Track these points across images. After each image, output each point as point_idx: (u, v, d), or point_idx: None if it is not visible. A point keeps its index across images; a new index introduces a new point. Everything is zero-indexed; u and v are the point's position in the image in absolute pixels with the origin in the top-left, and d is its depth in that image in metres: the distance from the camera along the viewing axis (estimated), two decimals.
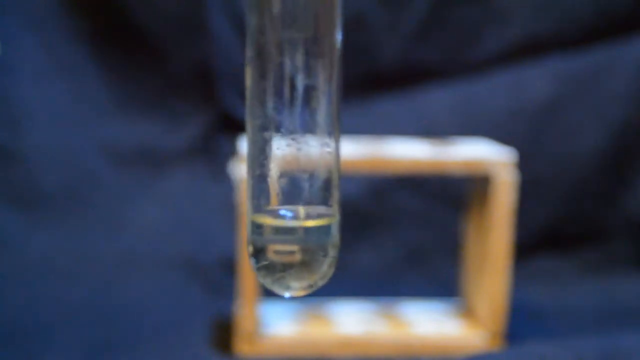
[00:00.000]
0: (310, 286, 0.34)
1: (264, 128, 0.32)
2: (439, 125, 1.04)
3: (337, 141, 0.32)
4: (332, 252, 0.33)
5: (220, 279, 0.95)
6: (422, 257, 1.03)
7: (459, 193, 0.97)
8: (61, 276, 0.94)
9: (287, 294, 0.34)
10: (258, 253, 0.33)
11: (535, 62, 1.05)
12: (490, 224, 0.78)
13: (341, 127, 0.33)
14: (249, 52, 0.31)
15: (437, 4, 1.05)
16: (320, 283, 0.34)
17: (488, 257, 0.79)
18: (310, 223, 0.32)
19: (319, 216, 0.32)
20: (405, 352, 0.80)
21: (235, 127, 1.03)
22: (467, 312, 0.85)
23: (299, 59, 0.31)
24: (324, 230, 0.32)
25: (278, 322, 0.81)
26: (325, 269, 0.33)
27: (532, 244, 1.03)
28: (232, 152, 0.94)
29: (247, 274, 0.76)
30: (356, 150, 0.78)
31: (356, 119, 1.04)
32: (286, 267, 0.33)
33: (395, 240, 1.03)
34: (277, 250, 0.32)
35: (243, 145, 0.79)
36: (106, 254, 0.99)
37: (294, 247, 0.32)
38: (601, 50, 1.05)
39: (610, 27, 1.05)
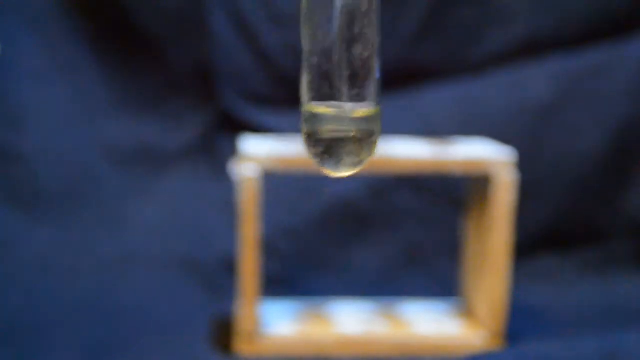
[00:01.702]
0: (360, 162, 0.38)
1: (312, 37, 0.37)
2: (439, 125, 1.04)
3: (378, 50, 0.37)
4: (377, 135, 0.38)
5: (220, 279, 0.95)
6: (422, 257, 1.03)
7: (459, 193, 0.97)
8: (61, 276, 0.94)
9: (338, 172, 0.38)
10: (311, 134, 0.38)
11: (535, 62, 1.06)
12: (490, 224, 0.78)
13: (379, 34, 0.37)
14: None
15: (437, 4, 1.05)
16: (367, 160, 0.38)
17: (488, 257, 0.79)
18: (360, 113, 0.37)
19: (365, 107, 0.38)
20: (405, 352, 0.80)
21: (235, 127, 1.03)
22: (467, 312, 0.85)
23: None
24: (371, 116, 0.38)
25: (278, 322, 0.81)
26: (372, 147, 0.38)
27: (532, 244, 1.03)
28: (232, 152, 0.94)
29: (247, 274, 0.76)
30: None
31: None
32: (338, 144, 0.37)
33: (395, 240, 1.03)
34: (330, 129, 0.37)
35: (245, 143, 0.79)
36: (106, 253, 0.99)
37: (346, 128, 0.37)
38: (601, 50, 1.05)
39: (610, 27, 1.05)
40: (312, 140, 0.37)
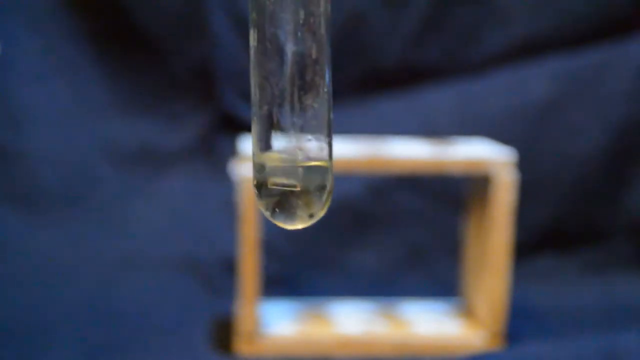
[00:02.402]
0: (312, 216, 0.36)
1: (262, 86, 0.36)
2: (439, 125, 1.04)
3: (329, 99, 0.36)
4: (329, 187, 0.37)
5: (220, 279, 0.95)
6: (422, 257, 1.03)
7: (459, 193, 0.97)
8: (61, 276, 0.94)
9: (289, 226, 0.37)
10: (261, 186, 0.36)
11: (535, 62, 1.06)
12: (490, 224, 0.78)
13: (330, 95, 0.36)
14: (251, 15, 0.36)
15: (437, 4, 1.05)
16: (321, 214, 0.37)
17: (488, 257, 0.79)
18: (309, 163, 0.36)
19: (315, 160, 0.36)
20: (405, 352, 0.80)
21: (235, 127, 1.03)
22: (467, 312, 0.85)
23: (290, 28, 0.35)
24: (322, 169, 0.36)
25: (278, 322, 0.81)
26: (324, 200, 0.37)
27: (532, 244, 1.03)
28: (232, 152, 0.94)
29: (247, 274, 0.76)
30: (356, 150, 0.78)
31: (356, 119, 1.04)
32: (288, 198, 0.36)
33: (395, 240, 1.03)
34: (278, 182, 0.36)
35: (243, 142, 0.79)
36: (106, 254, 0.99)
37: (294, 181, 0.36)
38: (601, 50, 1.05)
39: (610, 27, 1.05)
40: (262, 192, 0.36)
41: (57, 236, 1.00)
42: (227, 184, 0.87)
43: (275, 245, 0.98)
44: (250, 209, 0.76)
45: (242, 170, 0.76)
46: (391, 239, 1.03)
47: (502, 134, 0.98)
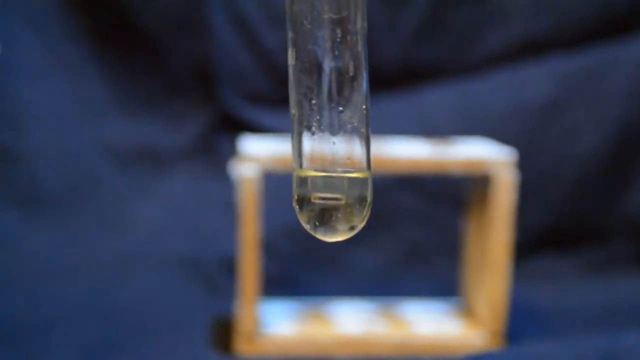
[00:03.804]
0: (352, 228, 0.37)
1: (300, 103, 0.36)
2: (439, 125, 1.04)
3: (367, 115, 0.37)
4: (370, 198, 0.37)
5: (220, 279, 0.95)
6: (422, 257, 1.03)
7: (459, 193, 0.97)
8: (61, 276, 0.94)
9: (330, 238, 0.37)
10: (303, 200, 0.36)
11: (535, 62, 1.06)
12: (490, 224, 0.78)
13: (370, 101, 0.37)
14: (289, 34, 0.36)
15: (437, 4, 1.05)
16: (361, 226, 0.37)
17: (488, 257, 0.79)
18: (352, 175, 0.36)
19: (356, 171, 0.37)
20: (405, 352, 0.80)
21: (235, 126, 1.03)
22: (467, 312, 0.85)
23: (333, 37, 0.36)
24: (362, 181, 0.37)
25: (278, 322, 0.81)
26: (364, 212, 0.37)
27: (532, 244, 1.03)
28: (232, 152, 0.94)
29: (247, 274, 0.76)
30: None
31: None
32: (330, 211, 0.36)
33: (395, 240, 1.03)
34: (322, 196, 0.36)
35: (245, 143, 0.79)
36: (106, 254, 0.99)
37: (337, 194, 0.36)
38: (601, 50, 1.05)
39: (610, 27, 1.05)
40: (304, 206, 0.36)
41: (57, 236, 1.00)
42: (227, 184, 0.87)
43: (275, 245, 0.98)
44: (250, 209, 0.76)
45: (242, 170, 0.76)
46: (391, 239, 1.03)
47: (502, 134, 0.98)
